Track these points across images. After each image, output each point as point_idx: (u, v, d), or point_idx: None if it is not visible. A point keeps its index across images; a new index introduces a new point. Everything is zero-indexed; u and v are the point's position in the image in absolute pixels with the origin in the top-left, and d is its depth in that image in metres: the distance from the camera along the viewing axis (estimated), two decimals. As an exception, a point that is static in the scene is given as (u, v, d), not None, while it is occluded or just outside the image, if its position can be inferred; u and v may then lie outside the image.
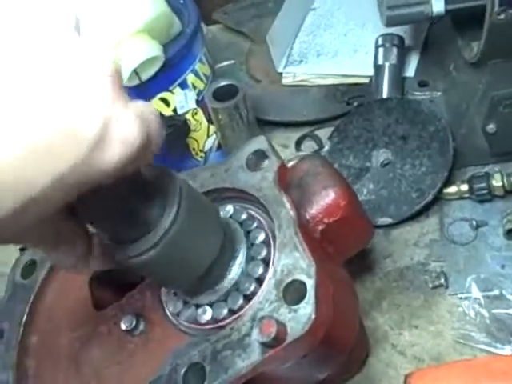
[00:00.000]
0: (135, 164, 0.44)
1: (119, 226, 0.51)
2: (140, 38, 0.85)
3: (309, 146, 1.07)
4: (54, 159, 0.39)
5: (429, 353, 0.79)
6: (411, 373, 0.72)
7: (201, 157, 1.04)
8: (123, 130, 0.42)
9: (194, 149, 1.02)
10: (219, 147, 1.05)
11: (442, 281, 0.84)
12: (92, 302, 0.67)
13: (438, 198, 0.91)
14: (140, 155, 0.43)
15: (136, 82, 0.88)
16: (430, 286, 0.84)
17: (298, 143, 1.07)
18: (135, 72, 0.86)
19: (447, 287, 0.83)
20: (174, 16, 0.92)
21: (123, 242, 0.52)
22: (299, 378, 0.66)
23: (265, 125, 1.09)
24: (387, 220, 0.91)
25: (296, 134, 1.09)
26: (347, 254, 0.72)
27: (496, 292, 0.80)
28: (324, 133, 1.05)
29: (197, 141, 1.02)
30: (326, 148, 1.00)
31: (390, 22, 0.93)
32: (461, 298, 0.82)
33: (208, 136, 1.03)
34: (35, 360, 0.67)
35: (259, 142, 0.65)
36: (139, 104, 0.45)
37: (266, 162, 0.64)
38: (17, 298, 0.69)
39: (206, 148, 1.04)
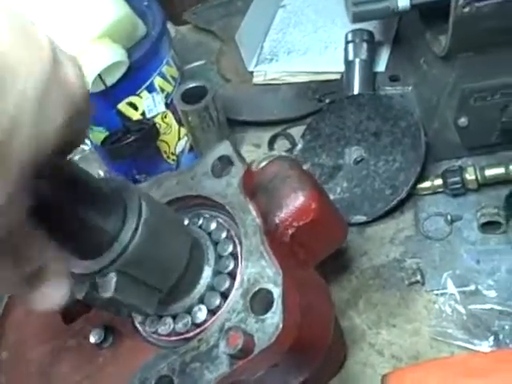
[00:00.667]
0: None
1: (77, 241, 0.49)
2: (102, 42, 0.83)
3: (282, 145, 1.06)
4: None
5: (407, 351, 0.78)
6: (389, 373, 0.72)
7: (173, 160, 1.03)
8: None
9: (165, 152, 1.01)
10: (191, 149, 1.04)
11: (419, 277, 0.83)
12: (61, 315, 0.66)
13: (412, 194, 0.91)
14: None
15: (101, 87, 0.86)
16: (407, 282, 0.84)
17: (271, 142, 1.06)
18: (99, 77, 0.85)
19: (423, 284, 0.83)
20: (137, 19, 0.90)
21: (83, 257, 0.50)
22: (275, 384, 0.65)
23: (236, 125, 1.09)
24: (362, 218, 0.90)
25: (268, 134, 1.08)
26: (320, 255, 0.71)
27: (472, 287, 0.80)
28: (296, 131, 1.04)
29: (168, 144, 1.01)
30: (299, 146, 0.99)
31: (356, 18, 0.92)
32: (437, 295, 0.81)
33: (179, 139, 1.02)
34: (6, 376, 0.65)
35: (224, 148, 0.64)
36: None
37: (231, 168, 0.63)
38: (-15, 314, 0.68)
39: (178, 151, 1.03)
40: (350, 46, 1.04)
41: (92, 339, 0.62)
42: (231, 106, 1.09)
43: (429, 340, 0.78)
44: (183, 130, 1.01)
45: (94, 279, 0.51)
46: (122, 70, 0.87)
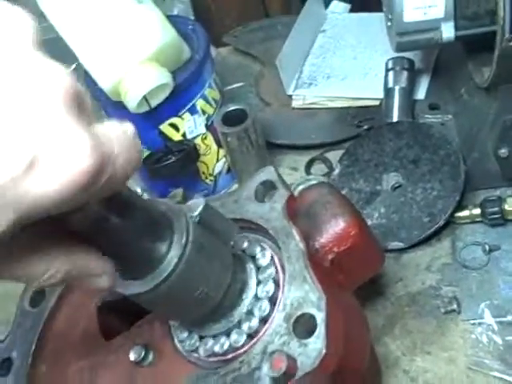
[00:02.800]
0: (90, 193, 0.38)
1: (123, 263, 0.50)
2: (149, 65, 0.86)
3: (319, 169, 1.07)
4: None
5: (441, 380, 0.78)
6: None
7: (210, 180, 1.04)
8: (63, 153, 0.36)
9: (203, 173, 1.03)
10: (229, 171, 1.05)
11: (455, 306, 0.83)
12: (101, 331, 0.67)
13: (450, 222, 0.90)
14: (93, 183, 0.37)
15: (145, 108, 0.88)
16: (443, 311, 0.83)
17: (308, 166, 1.07)
18: (145, 99, 0.87)
19: (460, 312, 0.83)
20: (183, 43, 0.92)
21: (128, 277, 0.51)
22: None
23: (274, 148, 1.09)
24: (398, 244, 0.90)
25: (306, 157, 1.08)
26: (358, 281, 0.71)
27: (509, 318, 0.80)
28: (334, 156, 1.05)
29: (206, 165, 1.02)
30: (336, 171, 0.99)
31: (399, 48, 0.93)
32: (474, 324, 0.81)
33: (218, 160, 1.03)
34: (44, 389, 0.66)
35: (268, 173, 0.65)
36: (104, 124, 0.40)
37: (275, 193, 0.63)
38: (26, 327, 0.69)
39: (216, 172, 1.04)
40: (391, 73, 1.04)
41: (132, 357, 0.62)
42: (269, 129, 1.10)
43: (464, 369, 0.78)
44: (222, 152, 1.03)
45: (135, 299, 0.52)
46: (167, 92, 0.89)
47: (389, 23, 0.94)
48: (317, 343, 0.52)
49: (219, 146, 1.02)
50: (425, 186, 0.92)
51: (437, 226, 0.89)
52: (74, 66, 1.14)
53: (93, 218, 0.44)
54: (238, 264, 0.59)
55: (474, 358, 0.78)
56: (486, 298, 0.82)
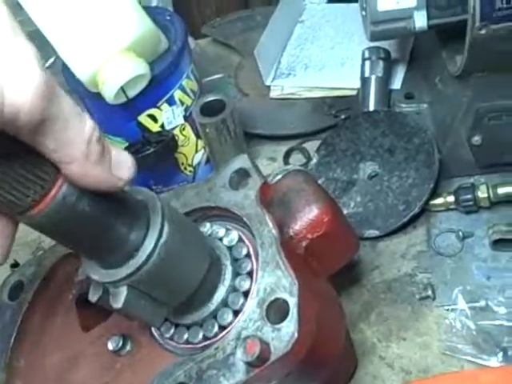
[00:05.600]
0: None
1: (100, 251, 0.51)
2: (126, 56, 0.85)
3: (297, 159, 1.08)
4: None
5: (416, 365, 0.79)
6: (399, 385, 0.73)
7: (190, 171, 1.04)
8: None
9: (182, 163, 1.03)
10: (208, 161, 1.06)
11: (429, 292, 0.84)
12: (79, 322, 0.67)
13: (425, 210, 0.92)
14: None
15: (123, 99, 0.88)
16: (418, 297, 0.85)
17: (286, 156, 1.08)
18: (122, 90, 0.87)
19: (434, 299, 0.84)
20: (160, 33, 0.92)
21: (104, 266, 0.52)
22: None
23: (253, 138, 1.10)
24: (374, 232, 0.91)
25: (284, 147, 1.09)
26: (332, 268, 0.72)
27: (482, 303, 0.81)
28: (312, 145, 1.06)
29: (185, 156, 1.02)
30: (314, 161, 1.00)
31: (374, 37, 0.95)
32: (447, 310, 0.82)
33: (196, 151, 1.04)
34: (23, 382, 0.67)
35: (242, 161, 0.66)
36: None
37: (249, 181, 0.64)
38: (4, 320, 0.69)
39: (195, 162, 1.04)
40: (367, 63, 1.06)
41: (110, 346, 0.64)
42: (248, 119, 1.10)
43: (438, 354, 0.79)
44: (200, 143, 1.03)
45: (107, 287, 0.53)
46: (144, 83, 0.89)
47: (363, 12, 0.96)
48: (289, 327, 0.53)
49: (198, 136, 1.02)
50: (400, 175, 0.93)
51: (412, 213, 0.90)
52: (52, 59, 1.15)
53: (69, 205, 0.45)
54: (212, 251, 0.60)
55: (448, 343, 0.79)
56: (460, 283, 0.84)
